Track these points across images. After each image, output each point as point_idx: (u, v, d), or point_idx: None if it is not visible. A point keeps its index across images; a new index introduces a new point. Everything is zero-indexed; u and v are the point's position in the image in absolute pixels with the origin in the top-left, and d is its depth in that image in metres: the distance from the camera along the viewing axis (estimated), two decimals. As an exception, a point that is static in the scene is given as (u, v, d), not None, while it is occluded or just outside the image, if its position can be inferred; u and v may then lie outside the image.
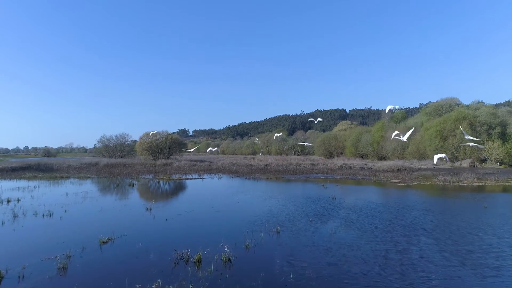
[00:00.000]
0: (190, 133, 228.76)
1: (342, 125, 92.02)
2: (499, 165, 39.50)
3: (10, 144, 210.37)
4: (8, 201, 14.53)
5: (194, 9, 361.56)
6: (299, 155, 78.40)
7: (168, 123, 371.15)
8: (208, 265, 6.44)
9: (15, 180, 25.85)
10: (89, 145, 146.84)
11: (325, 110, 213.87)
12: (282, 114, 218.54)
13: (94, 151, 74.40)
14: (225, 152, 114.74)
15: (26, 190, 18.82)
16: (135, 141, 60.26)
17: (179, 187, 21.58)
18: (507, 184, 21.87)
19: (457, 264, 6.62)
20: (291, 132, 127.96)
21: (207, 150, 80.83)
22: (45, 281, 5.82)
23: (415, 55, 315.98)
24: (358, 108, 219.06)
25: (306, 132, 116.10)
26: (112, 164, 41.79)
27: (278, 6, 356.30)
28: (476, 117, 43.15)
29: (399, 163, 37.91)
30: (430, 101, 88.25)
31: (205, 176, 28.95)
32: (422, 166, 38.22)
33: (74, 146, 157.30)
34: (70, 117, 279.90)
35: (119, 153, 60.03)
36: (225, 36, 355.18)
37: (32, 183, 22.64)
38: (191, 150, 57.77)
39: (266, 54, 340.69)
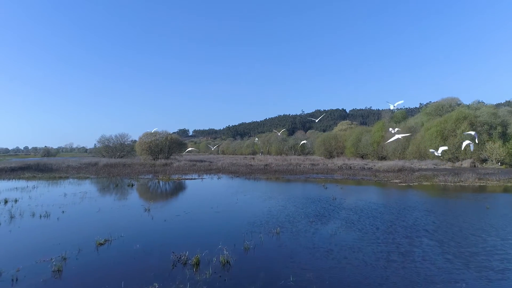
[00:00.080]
0: (190, 133, 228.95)
1: (342, 125, 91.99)
2: (500, 165, 39.38)
3: (10, 144, 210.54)
4: (6, 202, 14.38)
5: (194, 9, 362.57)
6: (299, 155, 78.24)
7: (168, 123, 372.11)
8: (206, 268, 6.31)
9: (13, 180, 25.72)
10: (89, 145, 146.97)
11: (325, 110, 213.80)
12: (282, 114, 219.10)
13: (94, 151, 74.24)
14: (225, 152, 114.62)
15: (24, 191, 18.68)
16: (134, 141, 60.06)
17: (179, 188, 21.44)
18: (509, 184, 21.73)
19: (461, 266, 6.48)
20: (291, 132, 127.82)
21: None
22: (39, 284, 5.69)
23: (415, 55, 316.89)
24: (358, 108, 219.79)
25: (306, 132, 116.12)
26: (111, 164, 41.67)
27: (278, 6, 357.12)
28: (476, 117, 43.09)
29: (399, 163, 37.75)
30: (431, 101, 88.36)
31: (204, 176, 28.81)
32: (422, 166, 38.12)
33: (74, 146, 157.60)
34: (70, 117, 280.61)
35: (118, 153, 59.88)
36: (225, 36, 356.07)
37: (31, 183, 22.51)
38: (188, 149, 57.75)
39: (266, 54, 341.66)
